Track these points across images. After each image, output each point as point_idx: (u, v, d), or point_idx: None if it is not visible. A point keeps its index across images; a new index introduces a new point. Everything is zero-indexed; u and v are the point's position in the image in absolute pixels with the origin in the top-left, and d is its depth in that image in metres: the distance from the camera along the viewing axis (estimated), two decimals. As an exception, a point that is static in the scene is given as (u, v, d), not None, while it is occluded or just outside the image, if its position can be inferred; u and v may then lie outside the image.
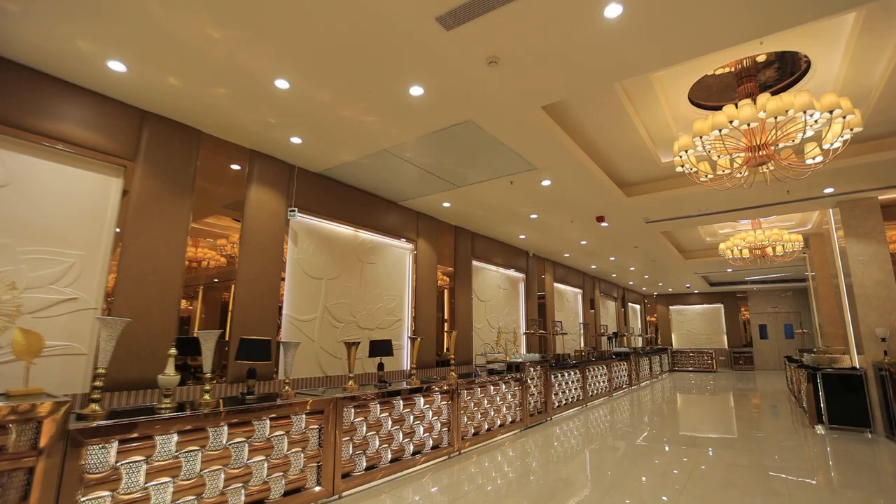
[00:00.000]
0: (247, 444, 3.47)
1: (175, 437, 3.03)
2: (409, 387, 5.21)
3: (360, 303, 6.70)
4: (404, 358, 7.36)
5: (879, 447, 6.14)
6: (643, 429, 7.46)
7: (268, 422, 3.66)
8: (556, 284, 12.72)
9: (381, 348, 5.65)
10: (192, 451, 3.13)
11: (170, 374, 3.43)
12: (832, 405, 6.89)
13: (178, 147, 4.63)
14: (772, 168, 5.22)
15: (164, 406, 3.29)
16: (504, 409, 6.87)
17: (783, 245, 9.53)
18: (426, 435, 5.31)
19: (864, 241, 7.20)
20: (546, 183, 6.47)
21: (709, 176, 5.40)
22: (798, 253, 9.72)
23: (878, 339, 6.76)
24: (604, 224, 8.56)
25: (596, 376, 10.54)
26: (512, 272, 10.65)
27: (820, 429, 7.01)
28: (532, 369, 7.79)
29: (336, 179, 6.42)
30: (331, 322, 6.23)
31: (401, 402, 5.00)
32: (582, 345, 13.88)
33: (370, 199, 7.02)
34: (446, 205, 7.50)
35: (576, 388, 9.40)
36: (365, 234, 6.95)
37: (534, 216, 8.08)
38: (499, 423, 6.71)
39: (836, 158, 5.94)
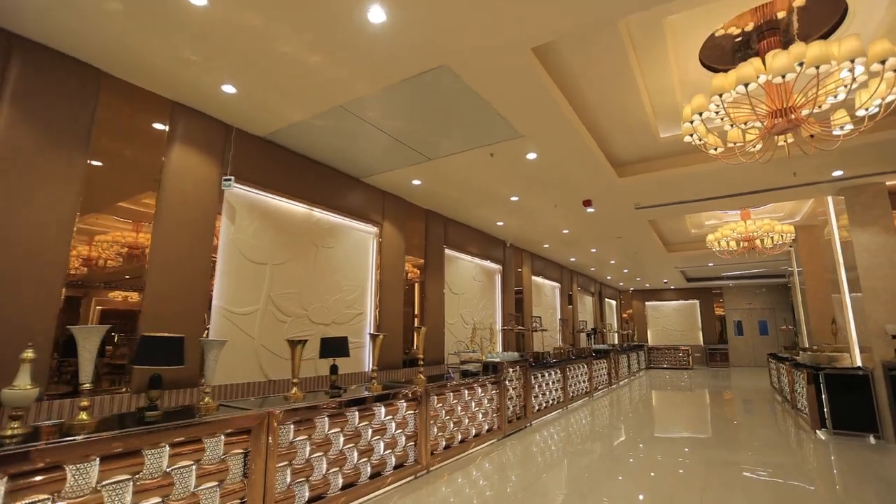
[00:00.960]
0: (132, 484, 2.52)
1: (2, 487, 2.06)
2: (368, 394, 4.32)
3: (313, 293, 5.75)
4: (365, 358, 6.45)
5: (891, 454, 5.58)
6: (631, 435, 6.77)
7: (167, 449, 2.71)
8: (534, 277, 11.99)
9: (335, 347, 4.74)
10: (37, 501, 2.16)
11: (20, 388, 2.45)
12: (836, 408, 6.32)
13: (65, 88, 3.58)
14: (791, 140, 4.53)
15: (7, 433, 2.32)
16: (480, 417, 6.05)
17: (773, 237, 9.02)
18: (388, 452, 4.43)
19: (871, 229, 6.66)
20: (531, 156, 5.65)
21: (719, 149, 4.67)
22: (786, 246, 9.23)
23: (888, 336, 6.22)
24: (590, 210, 7.82)
25: (576, 376, 9.85)
26: (488, 263, 9.85)
27: (822, 433, 6.44)
28: (510, 370, 7.00)
29: (285, 147, 5.44)
30: (276, 315, 5.27)
31: (356, 413, 4.10)
32: (560, 342, 13.22)
33: (328, 173, 6.06)
34: (416, 182, 6.61)
35: (556, 390, 8.67)
36: (321, 214, 6.00)
37: (514, 198, 7.27)
38: (474, 432, 5.88)
39: (850, 136, 5.31)
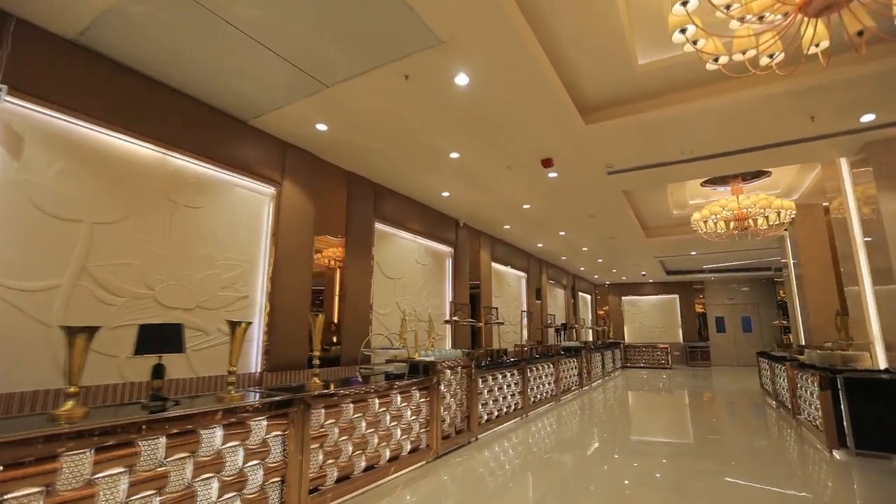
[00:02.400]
0: None
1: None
2: (209, 408, 2.84)
3: (164, 266, 4.22)
4: (253, 355, 4.95)
5: (934, 482, 4.32)
6: (606, 450, 5.41)
7: None
8: (494, 265, 10.60)
9: (162, 339, 3.26)
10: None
11: None
12: (860, 422, 5.02)
13: None
14: (824, 46, 3.16)
15: None
16: (399, 434, 4.61)
17: (770, 215, 7.80)
18: (230, 497, 2.95)
19: (902, 193, 5.42)
20: (461, 81, 4.22)
21: (721, 59, 3.29)
22: (783, 227, 8.03)
23: (921, 327, 4.98)
24: (552, 175, 6.45)
25: (540, 377, 8.49)
26: (436, 244, 8.41)
27: (841, 454, 5.16)
28: (448, 371, 5.58)
29: (114, 58, 3.90)
30: (97, 295, 3.74)
31: (162, 443, 2.60)
32: (525, 338, 11.88)
33: (193, 108, 4.54)
34: (322, 128, 5.13)
35: (514, 395, 7.28)
36: (183, 161, 4.47)
37: (454, 155, 5.84)
38: (389, 455, 4.43)
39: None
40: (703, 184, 8.77)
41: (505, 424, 6.91)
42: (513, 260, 11.51)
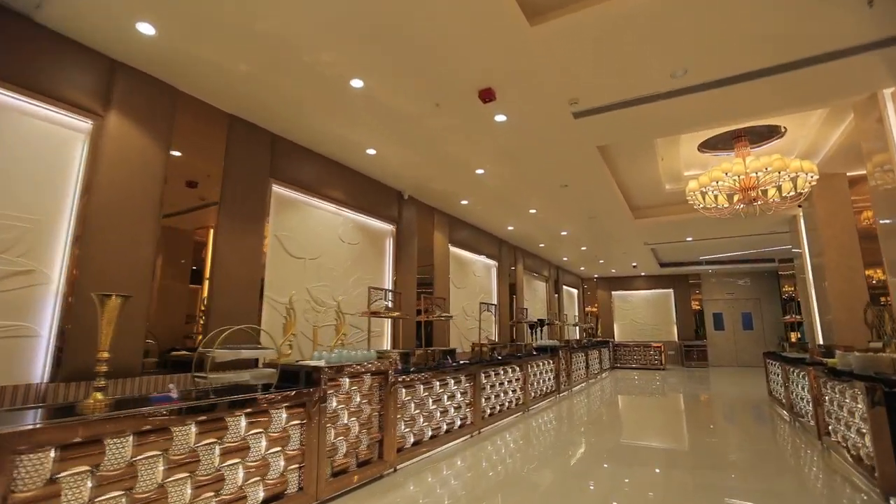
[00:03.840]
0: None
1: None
2: None
3: None
4: (38, 359, 3.39)
5: None
6: (575, 489, 3.86)
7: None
8: (455, 250, 9.05)
9: None
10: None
11: None
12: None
13: None
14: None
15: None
16: (241, 478, 3.04)
17: (783, 184, 6.29)
18: None
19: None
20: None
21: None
22: (799, 200, 6.51)
23: None
24: (500, 118, 4.89)
25: (502, 383, 6.95)
26: (370, 220, 6.86)
27: None
28: (349, 380, 4.04)
29: None
30: None
31: None
32: (496, 335, 10.33)
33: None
34: (146, 30, 3.55)
35: (459, 408, 5.74)
36: None
37: (357, 83, 4.25)
38: (214, 514, 2.87)
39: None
40: (702, 148, 7.25)
41: (443, 447, 5.36)
42: (480, 245, 9.96)
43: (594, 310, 19.11)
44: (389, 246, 7.21)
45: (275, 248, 5.29)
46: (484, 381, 6.48)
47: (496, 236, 10.70)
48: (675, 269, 17.08)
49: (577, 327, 15.80)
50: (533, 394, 8.25)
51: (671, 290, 18.36)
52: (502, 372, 7.06)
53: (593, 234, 10.86)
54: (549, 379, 9.23)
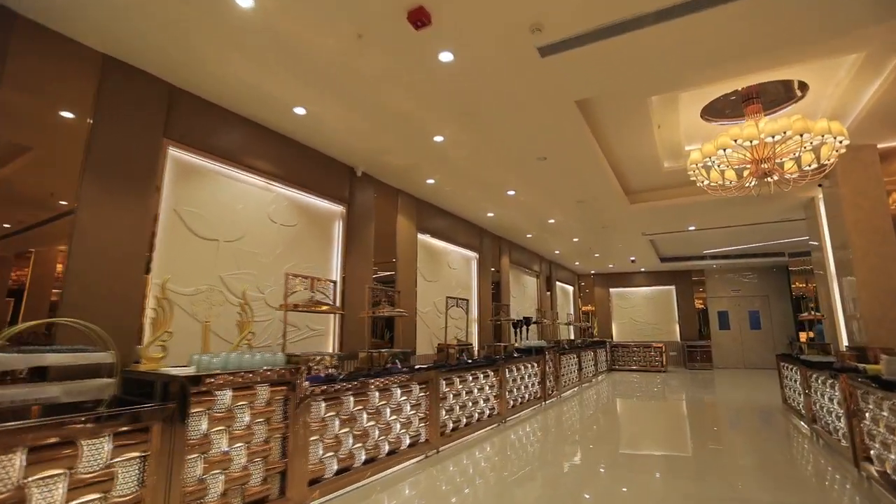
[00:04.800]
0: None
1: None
2: None
3: None
4: None
5: None
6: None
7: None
8: (425, 238, 8.02)
9: None
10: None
11: None
12: None
13: None
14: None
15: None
16: (0, 551, 2.01)
17: (803, 155, 5.25)
18: None
19: None
20: None
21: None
22: (822, 174, 5.46)
23: None
24: (445, 57, 3.85)
25: (471, 392, 5.91)
26: (311, 198, 5.83)
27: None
28: (232, 393, 3.01)
29: None
30: None
31: None
32: (476, 334, 9.29)
33: None
34: None
35: (409, 424, 4.70)
36: None
37: (246, 2, 3.21)
38: None
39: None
40: (706, 116, 6.19)
41: (384, 474, 4.32)
42: (456, 234, 8.91)
43: (591, 308, 18.03)
44: (338, 230, 6.17)
45: (172, 227, 4.25)
46: (445, 389, 5.44)
47: (476, 224, 9.65)
48: (677, 265, 15.99)
49: (572, 326, 14.75)
50: (512, 402, 7.20)
51: (673, 287, 17.26)
52: (470, 378, 6.02)
53: (584, 223, 9.80)
54: (534, 384, 8.18)
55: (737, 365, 16.14)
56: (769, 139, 4.96)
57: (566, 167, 6.54)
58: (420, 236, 7.85)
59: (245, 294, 3.93)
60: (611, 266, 16.36)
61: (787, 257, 14.30)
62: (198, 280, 4.40)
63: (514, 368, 7.41)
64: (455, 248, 9.01)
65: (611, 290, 18.12)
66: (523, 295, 12.34)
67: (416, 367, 5.21)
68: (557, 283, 15.28)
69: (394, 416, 4.55)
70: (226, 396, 3.02)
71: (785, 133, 4.89)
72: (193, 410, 2.81)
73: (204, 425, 2.87)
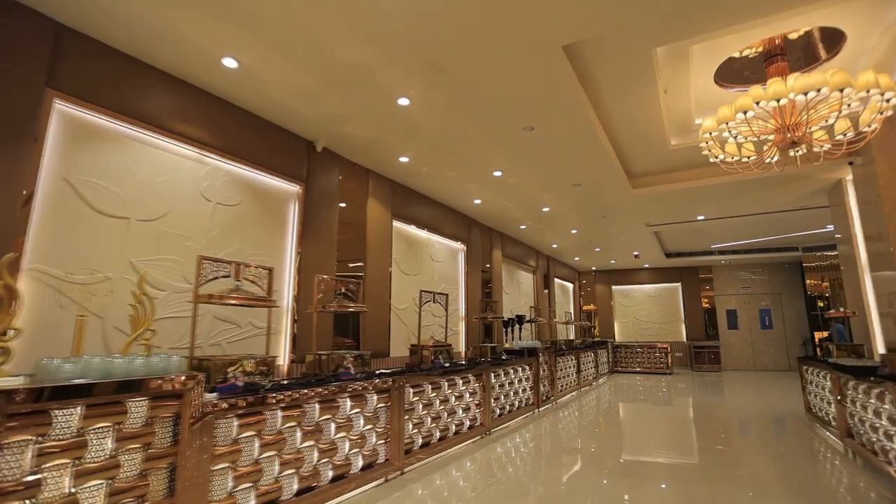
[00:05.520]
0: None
1: None
2: None
3: None
4: None
5: None
6: None
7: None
8: (401, 225, 7.18)
9: None
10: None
11: None
12: None
13: None
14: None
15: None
16: None
17: (840, 120, 4.42)
18: None
19: None
20: None
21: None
22: (859, 148, 4.61)
23: None
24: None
25: (445, 401, 5.07)
26: (257, 174, 5.00)
27: None
28: (47, 414, 2.18)
29: None
30: None
31: None
32: (462, 333, 8.45)
33: None
34: None
35: (362, 442, 3.87)
36: None
37: None
38: None
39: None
40: (721, 81, 5.35)
41: (327, 504, 3.49)
42: (440, 223, 8.07)
43: (592, 308, 17.15)
44: (293, 213, 5.34)
45: (62, 199, 3.43)
46: (413, 399, 4.60)
47: (462, 213, 8.80)
48: (683, 260, 15.12)
49: (571, 326, 13.89)
50: (498, 411, 6.36)
51: (678, 285, 16.37)
52: (446, 384, 5.18)
53: (582, 212, 8.94)
54: (525, 390, 7.34)
55: (747, 367, 15.25)
56: (801, 97, 4.09)
57: (558, 141, 5.68)
58: (397, 224, 7.01)
59: (142, 282, 3.09)
60: (612, 262, 15.48)
61: (801, 252, 13.41)
62: (99, 265, 3.57)
63: (502, 372, 6.57)
64: (439, 238, 8.17)
65: (613, 287, 17.23)
66: (518, 292, 11.49)
67: (378, 372, 4.38)
68: (556, 279, 14.42)
69: (341, 434, 3.71)
70: (71, 416, 2.19)
71: (820, 90, 4.04)
72: (9, 441, 1.98)
73: (27, 460, 2.04)
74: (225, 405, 2.87)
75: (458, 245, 8.77)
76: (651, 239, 11.67)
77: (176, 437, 2.61)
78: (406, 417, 4.47)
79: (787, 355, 14.92)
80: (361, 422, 3.92)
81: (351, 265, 6.10)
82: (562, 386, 9.07)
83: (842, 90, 3.92)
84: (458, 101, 4.65)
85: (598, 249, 13.07)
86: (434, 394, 4.95)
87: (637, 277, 16.91)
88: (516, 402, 6.96)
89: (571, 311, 15.89)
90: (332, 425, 3.64)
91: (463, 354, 8.27)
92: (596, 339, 15.11)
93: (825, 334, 13.04)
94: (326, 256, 5.57)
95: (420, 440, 4.64)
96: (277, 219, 5.16)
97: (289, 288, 5.14)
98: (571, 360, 9.91)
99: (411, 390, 4.57)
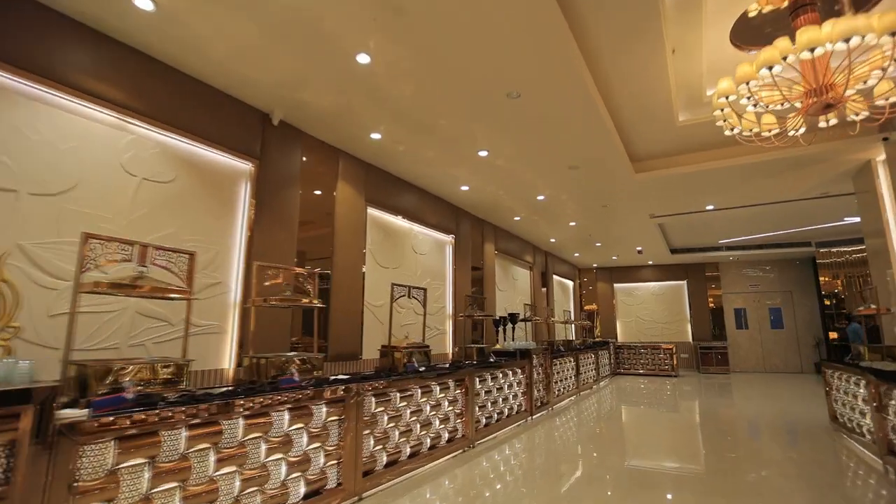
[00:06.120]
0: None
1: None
2: None
3: None
4: None
5: None
6: None
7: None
8: (377, 212, 6.49)
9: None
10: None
11: None
12: None
13: None
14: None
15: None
16: None
17: (883, 82, 3.75)
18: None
19: None
20: None
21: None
22: (892, 117, 3.89)
23: None
24: None
25: (403, 415, 4.37)
26: (198, 147, 4.31)
27: None
28: None
29: None
30: None
31: None
32: (449, 333, 7.73)
33: None
34: None
35: (306, 464, 3.17)
36: None
37: None
38: None
39: None
40: (737, 41, 4.64)
41: (253, 545, 2.79)
42: (423, 212, 7.36)
43: (594, 307, 16.42)
44: (244, 194, 4.64)
45: (-79, 163, 2.75)
46: (376, 410, 3.90)
47: (449, 202, 8.08)
48: (689, 256, 14.36)
49: (572, 325, 13.16)
50: (484, 420, 5.65)
51: (684, 282, 15.62)
52: (419, 391, 4.47)
53: (581, 201, 8.22)
54: (517, 396, 6.63)
55: (756, 368, 14.49)
56: (840, 45, 3.38)
57: (549, 111, 4.96)
58: (373, 212, 6.31)
59: (1, 268, 2.40)
60: (614, 258, 14.75)
61: (815, 247, 12.64)
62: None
63: (489, 377, 5.86)
64: (423, 229, 7.46)
65: (615, 285, 16.49)
66: (514, 289, 10.77)
67: (332, 378, 3.68)
68: (555, 276, 13.70)
69: (276, 456, 3.01)
70: None
71: (864, 38, 3.33)
72: None
73: None
74: (96, 424, 2.17)
75: (446, 237, 8.06)
76: (655, 232, 10.94)
77: (9, 469, 1.91)
78: (367, 432, 3.77)
79: (799, 356, 14.16)
80: (304, 440, 3.22)
81: (317, 257, 5.41)
82: (559, 390, 8.34)
83: (894, 34, 3.21)
84: (428, 58, 3.94)
85: (598, 244, 12.33)
86: (404, 403, 4.25)
87: (640, 275, 16.16)
88: (506, 410, 6.25)
89: (571, 309, 15.16)
90: (263, 446, 2.94)
91: (450, 356, 7.56)
92: (597, 339, 14.39)
93: (834, 335, 12.32)
94: (285, 245, 4.87)
95: (385, 458, 3.93)
96: (224, 200, 4.46)
97: (237, 280, 4.45)
98: (570, 362, 9.18)
99: (374, 399, 3.87)
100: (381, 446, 3.92)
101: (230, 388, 3.02)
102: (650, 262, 15.58)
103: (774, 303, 14.68)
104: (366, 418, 3.76)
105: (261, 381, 3.29)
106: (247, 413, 2.85)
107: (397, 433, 4.12)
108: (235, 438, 2.78)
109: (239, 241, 4.54)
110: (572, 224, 9.88)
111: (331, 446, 3.42)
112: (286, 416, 3.10)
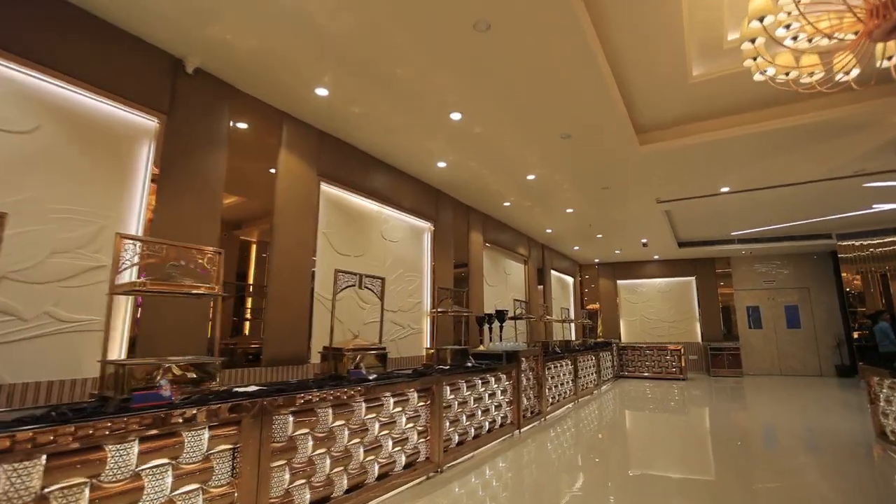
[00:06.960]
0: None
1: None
2: None
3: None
4: None
5: None
6: None
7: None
8: (336, 191, 5.55)
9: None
10: None
11: None
12: None
13: None
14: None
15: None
16: None
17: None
18: None
19: None
20: None
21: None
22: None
23: None
24: None
25: (339, 436, 3.42)
26: (78, 94, 3.37)
27: None
28: None
29: None
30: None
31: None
32: (426, 332, 6.77)
33: None
34: None
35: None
36: None
37: None
38: None
39: None
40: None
41: None
42: (396, 194, 6.40)
43: (596, 307, 15.42)
44: (146, 156, 3.70)
45: None
46: (294, 433, 2.94)
47: (427, 183, 7.12)
48: (698, 250, 13.35)
49: (571, 325, 12.17)
50: (457, 438, 4.68)
51: (693, 279, 14.61)
52: (363, 406, 3.51)
53: (577, 181, 7.24)
54: (501, 405, 5.66)
55: (771, 371, 13.47)
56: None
57: (531, 55, 3.98)
58: (328, 189, 5.37)
59: None
60: (617, 252, 13.74)
61: (835, 240, 11.62)
62: None
63: (464, 384, 4.89)
64: (396, 213, 6.51)
65: (618, 282, 15.48)
66: (506, 284, 9.81)
67: (224, 390, 2.74)
68: (553, 272, 12.72)
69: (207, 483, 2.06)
70: None
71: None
72: None
73: None
74: None
75: (423, 223, 7.10)
76: (662, 222, 9.95)
77: None
78: (280, 463, 2.82)
79: (817, 358, 13.13)
80: (169, 480, 2.26)
81: (249, 237, 4.47)
82: (553, 397, 7.37)
83: None
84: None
85: (599, 236, 11.34)
86: (340, 422, 3.29)
87: (645, 271, 15.14)
88: (486, 424, 5.28)
89: (571, 307, 14.16)
90: (86, 492, 1.99)
91: (425, 358, 6.60)
92: (599, 339, 13.39)
93: (855, 335, 11.31)
94: (204, 221, 3.93)
95: (307, 497, 2.98)
96: (115, 162, 3.52)
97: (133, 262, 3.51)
98: (567, 365, 8.20)
99: (291, 419, 2.92)
100: (302, 481, 2.96)
101: (86, 410, 2.07)
102: (656, 257, 14.57)
103: (790, 300, 13.63)
104: (278, 444, 2.81)
105: (113, 399, 2.35)
106: (115, 438, 1.90)
107: (328, 461, 3.16)
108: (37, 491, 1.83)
109: (138, 214, 3.61)
110: (569, 211, 8.89)
111: (217, 487, 2.47)
112: (135, 448, 2.15)
